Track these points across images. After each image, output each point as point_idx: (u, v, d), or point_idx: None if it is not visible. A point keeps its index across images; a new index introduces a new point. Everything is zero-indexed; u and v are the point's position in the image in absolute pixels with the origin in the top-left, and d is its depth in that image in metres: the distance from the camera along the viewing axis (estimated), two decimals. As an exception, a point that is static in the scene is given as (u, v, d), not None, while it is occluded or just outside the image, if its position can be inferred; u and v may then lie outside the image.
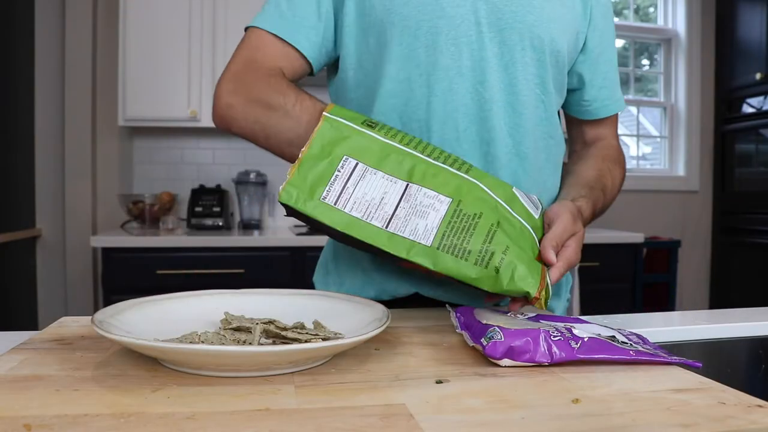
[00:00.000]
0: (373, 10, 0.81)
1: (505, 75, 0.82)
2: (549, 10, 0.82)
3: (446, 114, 0.81)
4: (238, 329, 0.60)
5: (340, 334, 0.61)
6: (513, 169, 0.83)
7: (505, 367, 0.56)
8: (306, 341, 0.55)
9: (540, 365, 0.56)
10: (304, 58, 0.85)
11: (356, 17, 0.83)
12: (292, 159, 0.79)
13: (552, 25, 0.82)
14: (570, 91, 0.93)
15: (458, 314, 0.66)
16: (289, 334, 0.56)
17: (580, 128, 0.99)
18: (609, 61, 0.94)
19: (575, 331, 0.59)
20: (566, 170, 0.94)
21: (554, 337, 0.56)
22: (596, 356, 0.56)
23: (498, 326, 0.57)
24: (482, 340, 0.57)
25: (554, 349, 0.56)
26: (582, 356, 0.56)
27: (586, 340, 0.57)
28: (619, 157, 0.97)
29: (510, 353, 0.55)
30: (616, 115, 0.98)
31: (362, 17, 0.82)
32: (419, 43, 0.79)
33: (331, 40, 0.86)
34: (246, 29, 0.88)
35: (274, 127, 0.80)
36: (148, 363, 0.55)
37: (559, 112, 0.93)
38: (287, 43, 0.84)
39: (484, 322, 0.60)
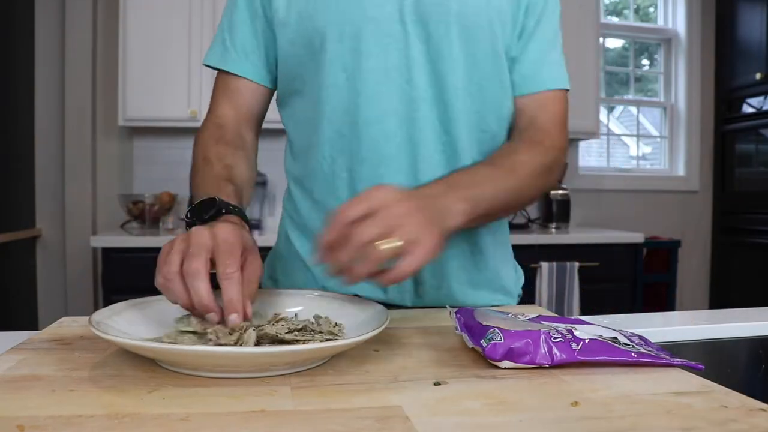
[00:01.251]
0: (300, 20, 0.81)
1: (433, 71, 0.80)
2: None
3: (374, 117, 0.80)
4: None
5: (341, 324, 0.61)
6: (445, 166, 0.82)
7: (505, 369, 0.55)
8: (304, 342, 0.55)
9: (540, 367, 0.55)
10: (258, 83, 0.89)
11: (285, 29, 0.83)
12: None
13: (479, 11, 0.80)
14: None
15: (458, 315, 0.65)
16: (287, 337, 0.56)
17: (515, 112, 0.89)
18: (543, 37, 0.87)
19: (576, 333, 0.58)
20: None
21: (555, 338, 0.56)
22: (597, 358, 0.56)
23: (498, 327, 0.57)
24: (482, 341, 0.56)
25: (555, 350, 0.55)
26: (583, 358, 0.55)
27: (587, 341, 0.57)
28: (542, 139, 0.85)
29: (510, 355, 0.55)
30: (558, 96, 0.88)
31: (290, 28, 0.83)
32: (345, 48, 0.79)
33: (273, 56, 0.88)
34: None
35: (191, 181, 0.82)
36: (145, 364, 0.55)
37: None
38: (233, 74, 0.88)
39: (484, 323, 0.60)
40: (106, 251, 2.34)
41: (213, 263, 0.58)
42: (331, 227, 0.59)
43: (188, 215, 0.71)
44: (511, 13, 0.83)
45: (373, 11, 0.78)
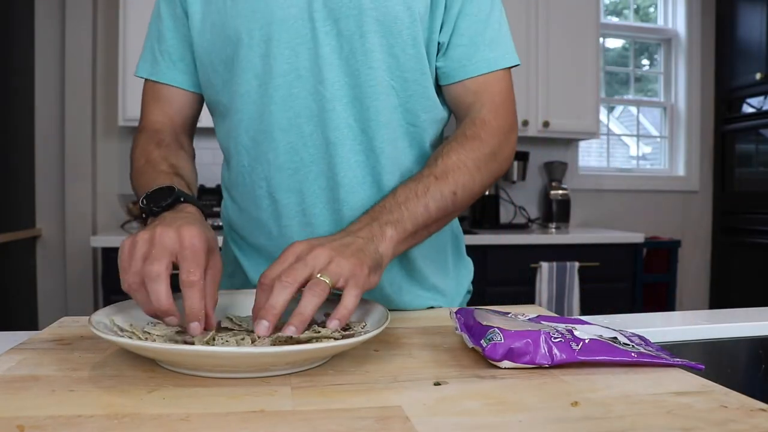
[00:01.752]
0: (213, 28, 0.80)
1: (347, 68, 0.77)
2: None
3: (288, 121, 0.78)
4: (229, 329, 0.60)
5: (354, 324, 0.61)
6: (366, 167, 0.80)
7: (505, 369, 0.55)
8: (306, 341, 0.55)
9: (540, 367, 0.55)
10: (188, 90, 0.88)
11: (201, 38, 0.82)
12: None
13: (390, 3, 0.76)
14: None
15: (458, 315, 0.65)
16: (302, 338, 0.55)
17: (450, 101, 0.86)
18: (473, 16, 0.82)
19: (576, 333, 0.58)
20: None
21: (555, 338, 0.56)
22: (597, 358, 0.56)
23: (498, 327, 0.57)
24: (482, 341, 0.56)
25: (555, 350, 0.55)
26: (583, 358, 0.55)
27: (587, 341, 0.57)
28: (477, 131, 0.81)
29: (510, 355, 0.55)
30: (497, 76, 0.86)
31: (205, 37, 0.82)
32: (255, 54, 0.77)
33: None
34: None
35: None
36: (145, 364, 0.55)
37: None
38: (162, 83, 0.88)
39: (485, 323, 0.60)
40: (106, 251, 2.34)
41: (176, 265, 0.58)
42: (258, 294, 0.59)
43: (144, 202, 0.69)
44: None
45: (281, 13, 0.76)
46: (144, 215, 0.70)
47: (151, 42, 0.89)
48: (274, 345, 0.55)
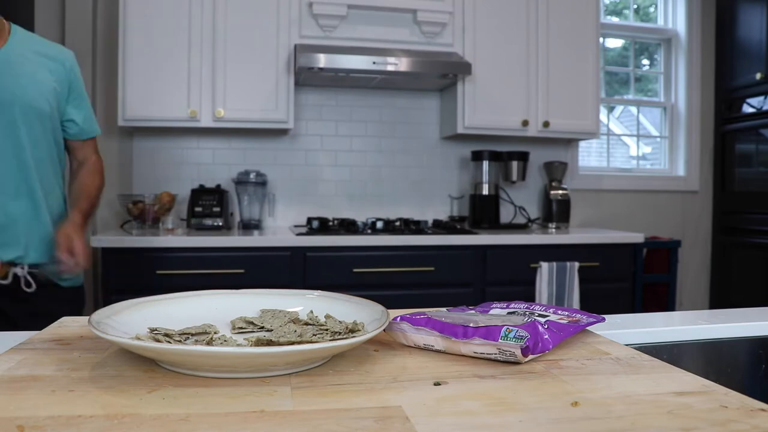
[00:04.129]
0: None
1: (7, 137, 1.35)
2: (24, 83, 1.36)
3: None
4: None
5: (357, 324, 0.61)
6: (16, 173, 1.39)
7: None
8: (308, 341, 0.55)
9: (536, 366, 0.55)
10: None
11: None
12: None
13: (36, 97, 1.38)
14: (65, 128, 1.49)
15: (411, 319, 0.64)
16: (282, 340, 0.56)
17: (73, 152, 1.55)
18: (83, 100, 1.52)
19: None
20: (72, 187, 1.54)
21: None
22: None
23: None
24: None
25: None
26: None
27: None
28: (99, 167, 1.58)
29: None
30: (95, 139, 1.57)
31: None
32: None
33: None
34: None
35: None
36: (145, 364, 0.55)
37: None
38: None
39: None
40: (106, 251, 2.34)
41: None
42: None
43: None
44: (57, 93, 1.44)
45: None
46: None
47: None
48: (253, 346, 0.55)
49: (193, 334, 0.59)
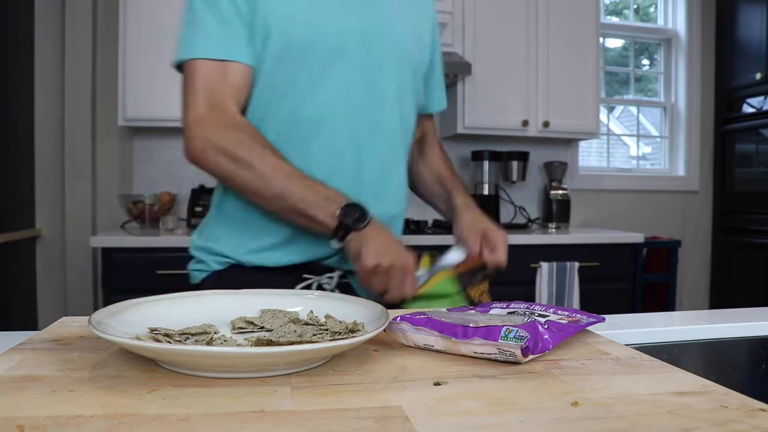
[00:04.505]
0: (281, 22, 0.92)
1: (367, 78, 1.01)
2: (406, 25, 1.03)
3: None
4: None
5: (357, 324, 0.61)
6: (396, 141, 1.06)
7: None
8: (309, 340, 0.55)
9: (536, 366, 0.55)
10: (249, 65, 0.95)
11: (264, 37, 0.93)
12: (257, 206, 0.96)
13: (409, 39, 1.03)
14: None
15: (418, 322, 0.64)
16: (282, 340, 0.56)
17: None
18: (440, 69, 1.21)
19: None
20: (420, 169, 1.23)
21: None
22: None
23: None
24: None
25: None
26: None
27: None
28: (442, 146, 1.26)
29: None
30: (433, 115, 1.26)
31: (268, 38, 0.93)
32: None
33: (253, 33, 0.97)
34: (182, 62, 1.00)
35: (240, 179, 0.91)
36: (145, 364, 0.55)
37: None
38: (229, 61, 0.93)
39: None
40: (106, 251, 2.34)
41: None
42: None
43: (342, 217, 0.88)
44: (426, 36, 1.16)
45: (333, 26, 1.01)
46: (340, 229, 0.88)
47: (201, 22, 0.94)
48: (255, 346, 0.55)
49: (193, 334, 0.59)
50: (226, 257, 1.01)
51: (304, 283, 1.00)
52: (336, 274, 1.02)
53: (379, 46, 0.98)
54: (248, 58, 0.93)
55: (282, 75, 0.94)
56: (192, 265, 1.06)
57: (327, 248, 0.95)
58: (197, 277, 1.04)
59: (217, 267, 1.01)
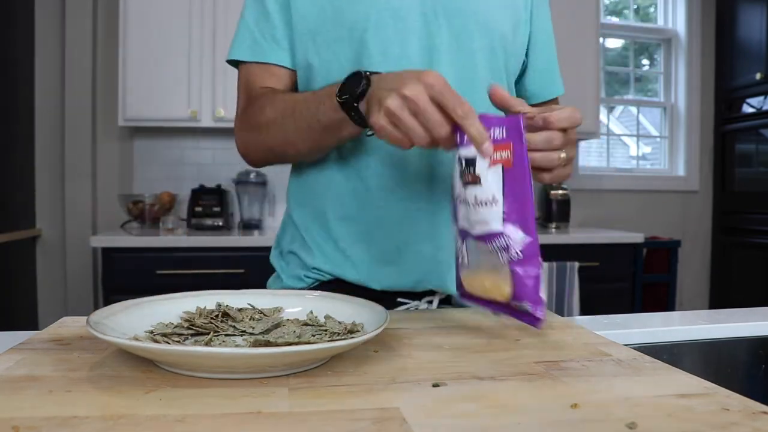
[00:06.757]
0: (322, 11, 0.84)
1: (457, 60, 0.84)
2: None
3: None
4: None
5: (356, 325, 0.61)
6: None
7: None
8: (307, 342, 0.55)
9: (537, 367, 0.55)
10: (290, 68, 0.90)
11: (305, 19, 0.86)
12: (316, 143, 0.81)
13: (497, 12, 0.87)
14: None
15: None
16: (280, 340, 0.55)
17: None
18: (548, 46, 1.00)
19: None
20: None
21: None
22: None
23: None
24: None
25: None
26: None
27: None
28: None
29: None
30: (557, 100, 1.03)
31: (309, 19, 0.85)
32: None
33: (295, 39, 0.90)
34: (235, 63, 0.93)
35: (267, 143, 0.85)
36: (143, 364, 0.54)
37: None
38: (270, 64, 0.89)
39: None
40: (106, 251, 2.34)
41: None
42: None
43: (340, 95, 0.71)
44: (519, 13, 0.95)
45: (396, 2, 0.84)
46: (344, 108, 0.72)
47: (247, 25, 0.90)
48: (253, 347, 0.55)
49: (191, 335, 0.59)
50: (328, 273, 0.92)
51: (402, 308, 0.90)
52: (436, 298, 0.91)
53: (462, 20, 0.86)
54: (289, 62, 0.89)
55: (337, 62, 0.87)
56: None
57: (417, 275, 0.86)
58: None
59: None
